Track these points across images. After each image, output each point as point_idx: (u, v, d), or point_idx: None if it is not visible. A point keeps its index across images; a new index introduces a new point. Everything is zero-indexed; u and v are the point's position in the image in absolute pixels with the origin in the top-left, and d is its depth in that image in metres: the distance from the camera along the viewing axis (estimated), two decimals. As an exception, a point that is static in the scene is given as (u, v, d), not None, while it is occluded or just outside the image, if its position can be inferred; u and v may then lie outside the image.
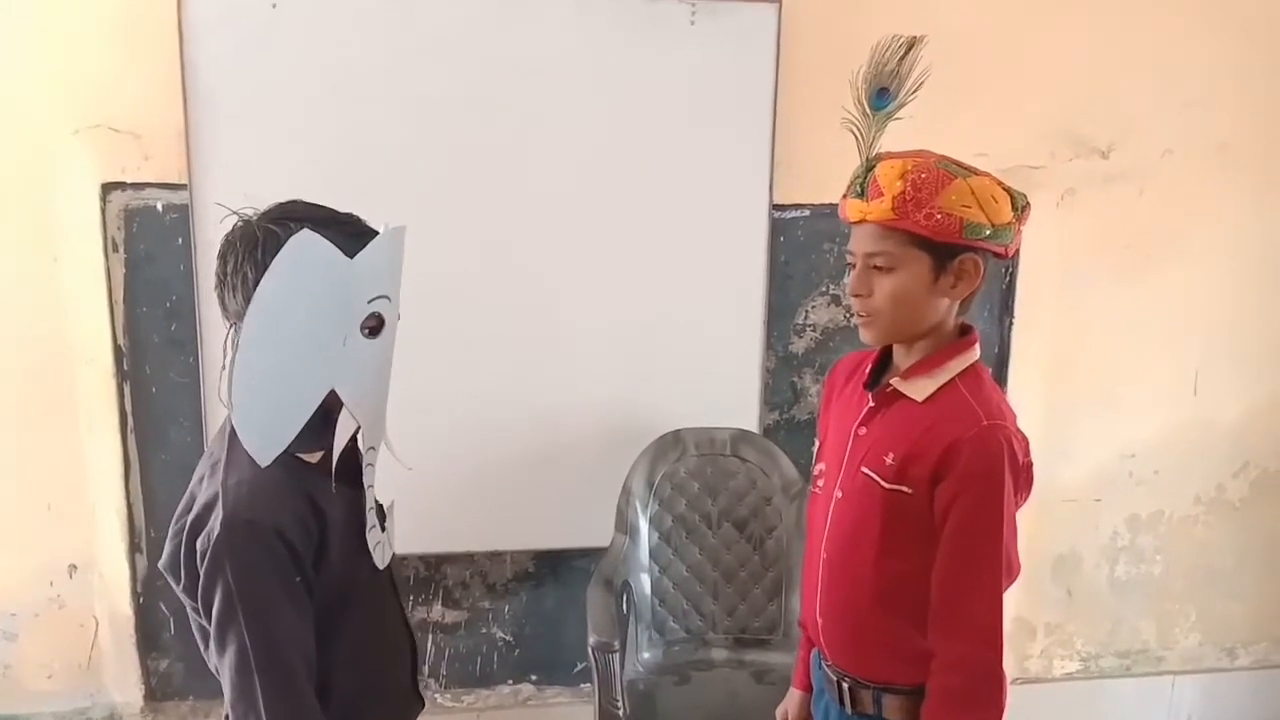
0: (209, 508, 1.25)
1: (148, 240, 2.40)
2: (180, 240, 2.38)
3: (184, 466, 2.44)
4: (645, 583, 2.49)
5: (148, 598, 2.56)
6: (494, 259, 2.47)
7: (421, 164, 2.40)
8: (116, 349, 2.43)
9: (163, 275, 2.41)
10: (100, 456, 2.47)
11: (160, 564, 1.34)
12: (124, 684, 2.60)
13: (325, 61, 2.33)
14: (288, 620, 1.24)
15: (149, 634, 2.58)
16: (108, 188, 2.37)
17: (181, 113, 2.29)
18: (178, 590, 1.31)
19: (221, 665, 1.25)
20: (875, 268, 1.40)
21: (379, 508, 1.41)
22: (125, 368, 2.45)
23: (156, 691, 2.62)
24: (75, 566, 2.52)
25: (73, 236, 2.37)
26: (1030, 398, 2.72)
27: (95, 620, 2.55)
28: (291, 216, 1.24)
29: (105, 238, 2.38)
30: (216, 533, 1.21)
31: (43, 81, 2.30)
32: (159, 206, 2.39)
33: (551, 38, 2.39)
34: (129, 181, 2.37)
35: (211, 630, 1.24)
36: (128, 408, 2.46)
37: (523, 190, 2.45)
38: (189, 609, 1.32)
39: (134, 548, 2.53)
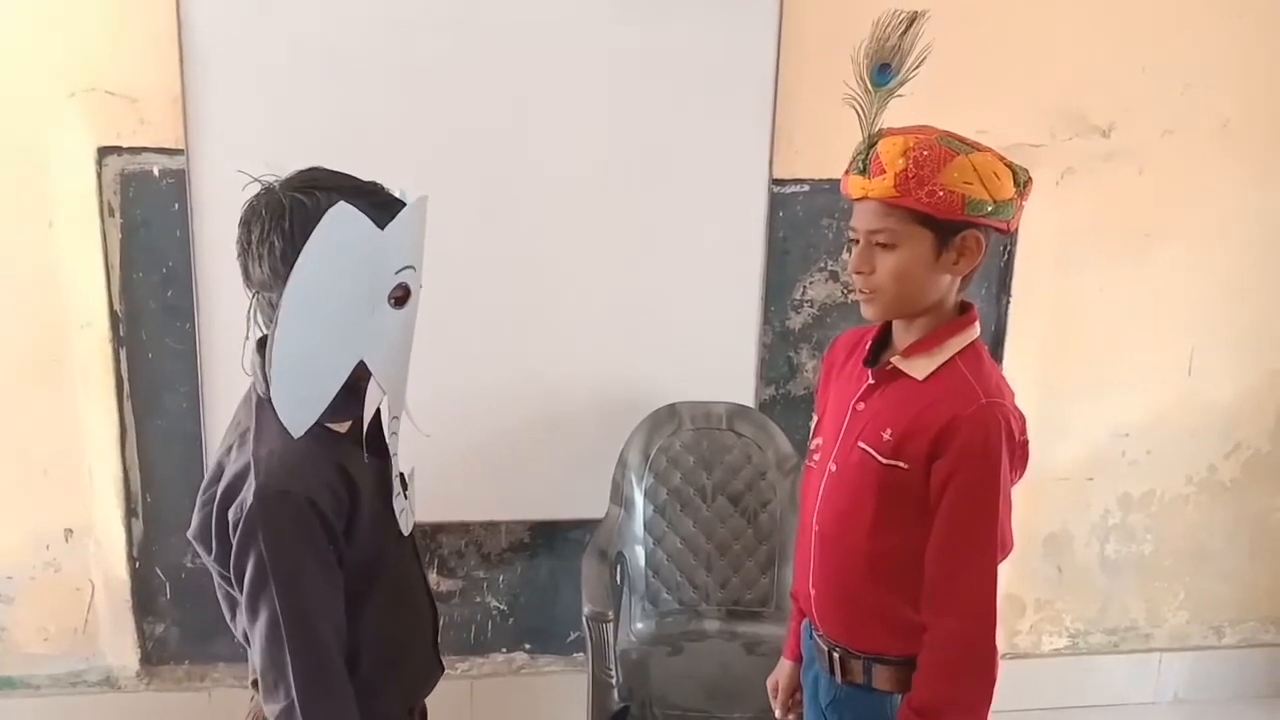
0: (241, 478, 1.25)
1: (144, 205, 2.38)
2: (177, 206, 2.36)
3: (180, 433, 2.47)
4: (639, 554, 2.51)
5: (143, 563, 2.57)
6: (491, 231, 2.45)
7: (419, 133, 2.38)
8: (113, 314, 2.43)
9: (159, 241, 2.40)
10: (97, 422, 2.47)
11: (189, 533, 1.34)
12: (119, 648, 2.61)
13: (324, 27, 2.31)
14: (319, 591, 1.25)
15: (145, 598, 2.59)
16: (104, 151, 2.35)
17: (178, 77, 2.28)
18: (207, 560, 1.32)
19: (252, 634, 1.26)
20: (878, 244, 1.40)
21: (402, 475, 1.43)
22: (121, 333, 2.44)
23: (152, 655, 2.64)
24: (71, 531, 2.52)
25: (69, 201, 2.36)
26: (1025, 376, 2.72)
27: (91, 584, 2.56)
28: (317, 186, 1.23)
29: (101, 202, 2.37)
30: (250, 503, 1.21)
31: (39, 44, 2.28)
32: (155, 171, 2.37)
33: (552, 8, 2.37)
34: (125, 146, 2.36)
35: (243, 600, 1.25)
36: (124, 373, 2.46)
37: (521, 163, 2.44)
38: (217, 578, 1.33)
39: (130, 513, 2.53)
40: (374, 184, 1.30)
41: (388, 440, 1.35)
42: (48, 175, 2.34)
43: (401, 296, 1.27)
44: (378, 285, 1.25)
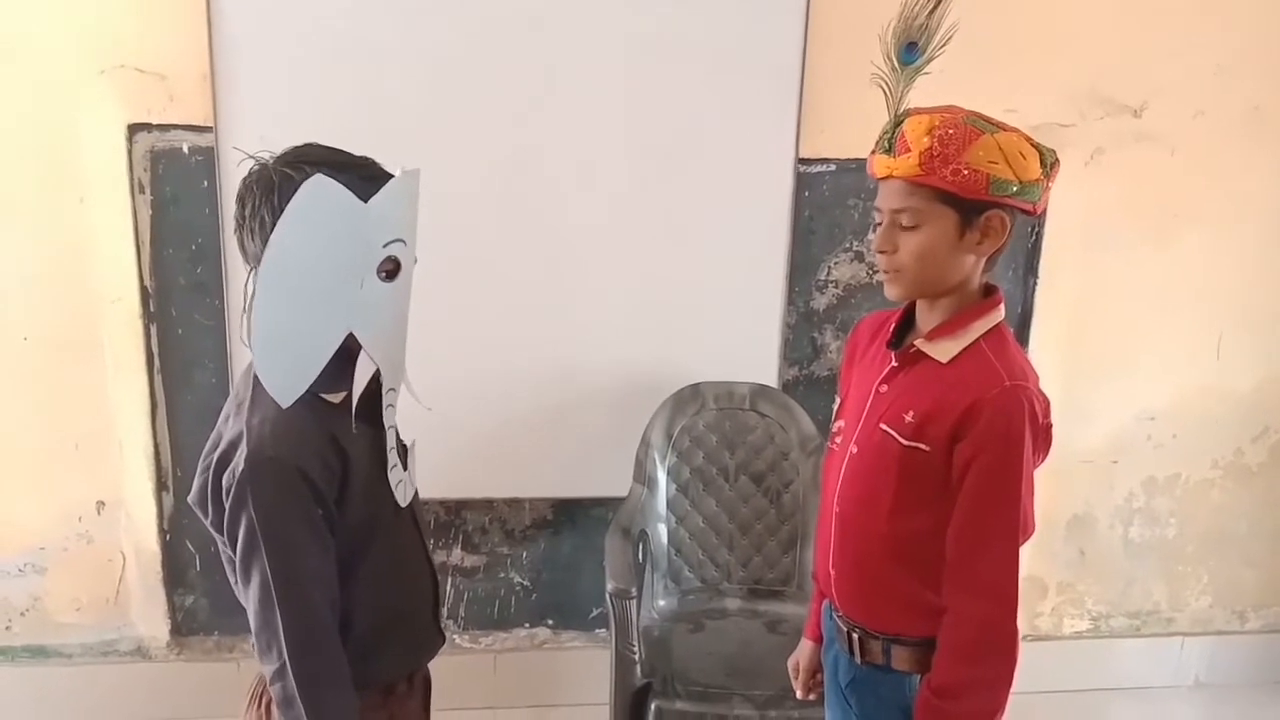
0: (234, 445, 1.28)
1: (174, 182, 2.41)
2: (206, 183, 2.39)
3: (209, 407, 2.49)
4: (662, 533, 2.52)
5: (174, 535, 2.61)
6: (516, 213, 2.46)
7: (446, 112, 2.39)
8: (143, 290, 2.46)
9: (188, 217, 2.42)
10: (127, 396, 2.50)
11: (190, 498, 1.38)
12: (150, 619, 2.66)
13: (352, 6, 2.32)
14: (308, 554, 1.28)
15: (175, 570, 2.64)
16: (134, 129, 2.37)
17: (207, 54, 2.29)
18: (206, 524, 1.36)
19: (246, 597, 1.30)
20: (901, 224, 1.39)
21: (400, 447, 1.44)
22: (151, 309, 2.47)
23: (182, 627, 2.68)
24: (103, 504, 2.57)
25: (99, 177, 2.38)
26: (1052, 358, 2.71)
27: (122, 556, 2.61)
28: (307, 160, 1.25)
29: (131, 179, 2.39)
30: (241, 469, 1.25)
31: (69, 21, 2.30)
32: (185, 148, 2.39)
33: (579, -14, 2.37)
34: (155, 123, 2.38)
35: (237, 564, 1.29)
36: (154, 348, 2.49)
37: (547, 142, 2.44)
38: (218, 542, 1.36)
39: (160, 486, 2.57)
40: (365, 159, 1.30)
41: (384, 412, 1.36)
42: (78, 152, 2.37)
43: (391, 270, 1.28)
44: (364, 258, 1.25)
